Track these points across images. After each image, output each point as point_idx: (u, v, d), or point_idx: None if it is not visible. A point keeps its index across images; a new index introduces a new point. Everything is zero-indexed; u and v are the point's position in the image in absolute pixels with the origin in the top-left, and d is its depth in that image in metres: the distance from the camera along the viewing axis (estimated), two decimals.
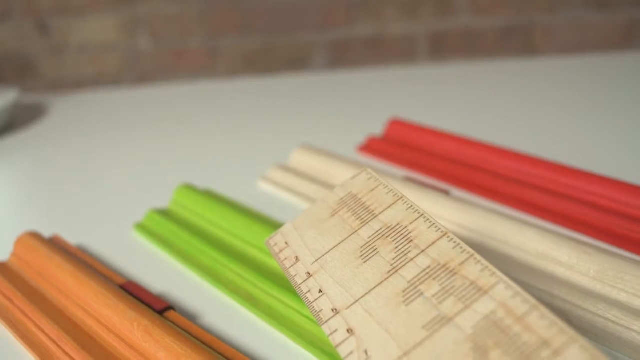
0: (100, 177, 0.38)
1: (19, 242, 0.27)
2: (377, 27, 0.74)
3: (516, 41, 0.73)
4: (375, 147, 0.37)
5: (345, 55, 0.75)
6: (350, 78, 0.61)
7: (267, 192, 0.33)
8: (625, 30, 0.72)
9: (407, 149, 0.36)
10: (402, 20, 0.74)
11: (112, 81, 0.76)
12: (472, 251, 0.16)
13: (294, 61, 0.75)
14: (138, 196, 0.34)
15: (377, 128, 0.41)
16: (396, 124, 0.38)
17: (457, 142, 0.34)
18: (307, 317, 0.21)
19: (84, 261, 0.26)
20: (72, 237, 0.29)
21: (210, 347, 0.20)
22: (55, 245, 0.27)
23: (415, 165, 0.33)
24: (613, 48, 0.70)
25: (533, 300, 0.14)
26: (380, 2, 0.73)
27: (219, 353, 0.20)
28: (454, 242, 0.17)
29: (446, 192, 0.29)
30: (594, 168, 0.29)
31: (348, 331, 0.16)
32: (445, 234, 0.17)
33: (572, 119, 0.41)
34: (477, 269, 0.16)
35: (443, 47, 0.74)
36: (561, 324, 0.14)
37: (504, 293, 0.15)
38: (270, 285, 0.23)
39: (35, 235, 0.27)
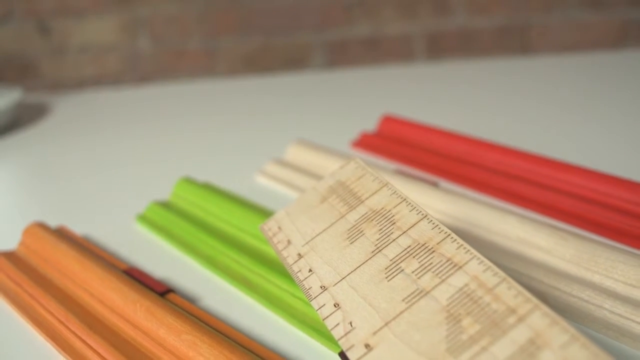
0: (103, 173, 0.40)
1: (27, 232, 0.28)
2: (375, 28, 0.75)
3: (512, 40, 0.74)
4: (368, 142, 0.38)
5: (343, 55, 0.76)
6: (347, 77, 0.62)
7: (263, 184, 0.35)
8: (619, 29, 0.73)
9: (399, 143, 0.37)
10: (399, 20, 0.75)
11: (113, 81, 0.78)
12: (449, 231, 0.18)
13: (293, 61, 0.77)
14: (140, 190, 0.36)
15: (372, 125, 0.42)
16: (388, 120, 0.40)
17: (446, 136, 0.35)
18: (299, 298, 0.22)
19: (88, 249, 0.27)
20: (76, 229, 0.31)
21: (209, 325, 0.21)
22: (61, 234, 0.28)
23: (406, 159, 0.35)
24: (608, 47, 0.71)
25: (502, 274, 0.16)
26: (378, 2, 0.74)
27: (218, 331, 0.21)
28: (433, 223, 0.18)
29: (435, 184, 0.31)
30: (586, 162, 0.31)
31: (335, 305, 0.18)
32: (425, 216, 0.19)
33: (566, 115, 0.42)
34: (453, 247, 0.17)
35: (440, 47, 0.75)
36: (527, 294, 0.15)
37: (477, 268, 0.16)
38: (265, 270, 0.24)
39: (42, 226, 0.29)
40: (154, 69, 0.77)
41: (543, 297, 0.23)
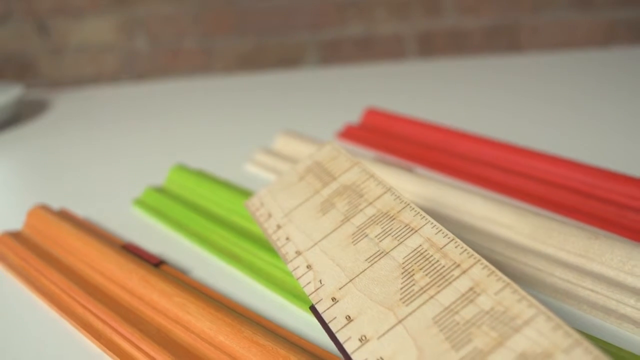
0: (101, 162, 0.42)
1: (31, 213, 0.31)
2: (367, 28, 0.77)
3: (502, 40, 0.76)
4: (352, 133, 0.40)
5: (336, 54, 0.78)
6: (339, 74, 0.64)
7: (252, 172, 0.37)
8: (607, 29, 0.75)
9: (380, 134, 0.39)
10: (391, 20, 0.77)
11: (110, 80, 0.80)
12: (408, 201, 0.20)
13: (287, 60, 0.78)
14: (136, 177, 0.38)
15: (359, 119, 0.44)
16: (371, 113, 0.42)
17: (423, 127, 0.37)
18: (280, 268, 0.25)
19: (88, 228, 0.30)
20: (77, 212, 0.33)
21: (198, 291, 0.23)
22: (63, 215, 0.30)
23: (386, 147, 0.37)
24: (595, 47, 0.73)
25: (451, 235, 0.18)
26: (370, 3, 0.76)
27: (206, 295, 0.23)
28: (395, 195, 0.21)
29: (410, 170, 0.33)
30: (568, 152, 0.33)
31: (307, 267, 0.20)
32: (389, 189, 0.21)
33: (552, 109, 0.43)
34: (411, 215, 0.20)
35: (431, 47, 0.77)
36: (471, 251, 0.17)
37: (430, 231, 0.19)
38: (250, 244, 0.26)
39: (45, 208, 0.31)
40: (151, 68, 0.79)
41: (503, 267, 0.25)
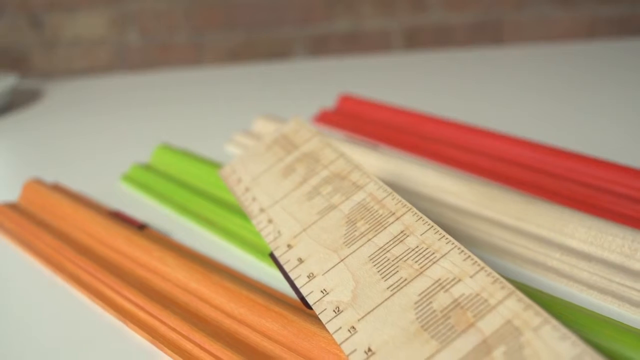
0: (91, 145, 0.45)
1: (26, 186, 0.33)
2: (354, 23, 0.79)
3: (486, 35, 0.78)
4: (327, 117, 0.43)
5: (324, 49, 0.80)
6: (326, 67, 0.67)
7: (231, 151, 0.40)
8: (588, 26, 0.77)
9: (351, 118, 0.42)
10: (377, 16, 0.79)
11: (102, 74, 0.82)
12: (357, 164, 0.23)
13: (276, 55, 0.81)
14: (124, 157, 0.40)
15: None
16: (345, 99, 0.45)
17: (389, 111, 0.40)
18: (250, 230, 0.27)
19: (79, 199, 0.32)
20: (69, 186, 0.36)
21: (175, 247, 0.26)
22: (56, 188, 0.33)
23: (355, 129, 0.40)
24: (577, 42, 0.75)
25: (390, 190, 0.21)
26: None
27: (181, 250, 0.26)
28: (346, 159, 0.23)
29: (375, 148, 0.36)
30: (548, 139, 0.35)
31: (268, 221, 0.23)
32: (342, 155, 0.24)
33: (533, 99, 0.46)
34: (358, 175, 0.22)
35: (417, 42, 0.79)
36: (405, 202, 0.20)
37: (373, 187, 0.22)
38: (225, 211, 0.29)
39: (40, 181, 0.34)
40: (143, 62, 0.81)
41: (450, 229, 0.28)
